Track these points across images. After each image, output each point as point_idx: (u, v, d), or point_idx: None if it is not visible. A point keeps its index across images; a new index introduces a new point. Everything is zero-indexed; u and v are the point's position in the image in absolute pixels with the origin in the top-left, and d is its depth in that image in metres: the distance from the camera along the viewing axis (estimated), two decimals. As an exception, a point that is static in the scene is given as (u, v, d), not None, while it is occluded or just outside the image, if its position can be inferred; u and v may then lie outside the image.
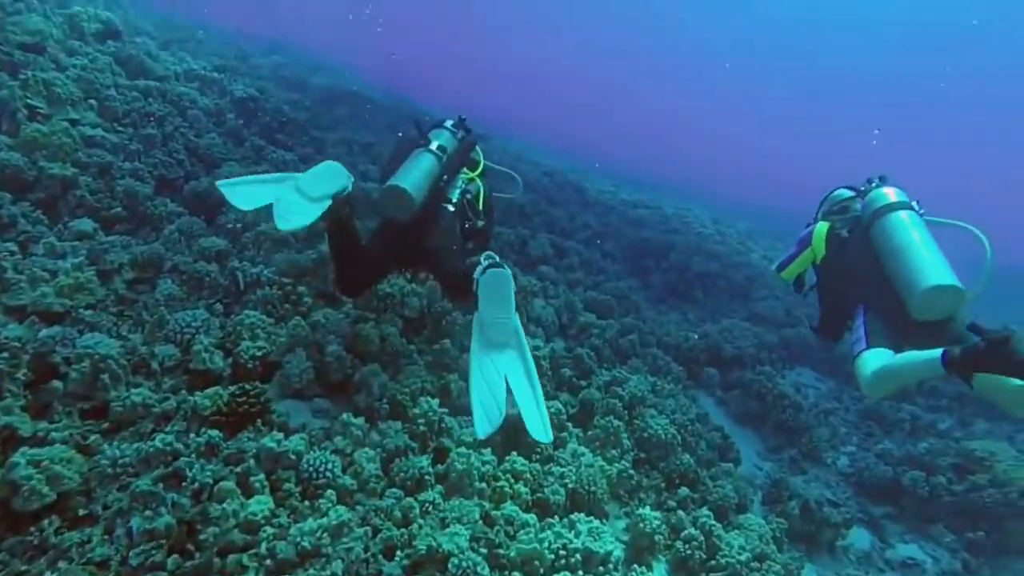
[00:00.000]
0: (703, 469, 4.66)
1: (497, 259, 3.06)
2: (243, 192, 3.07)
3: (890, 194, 3.17)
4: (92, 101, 5.14)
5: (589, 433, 4.28)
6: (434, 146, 3.28)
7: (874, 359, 2.77)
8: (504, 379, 2.86)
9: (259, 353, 3.26)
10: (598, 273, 8.22)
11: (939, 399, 6.95)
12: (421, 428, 3.19)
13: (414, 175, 3.09)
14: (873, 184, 3.38)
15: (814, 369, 7.76)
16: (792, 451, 5.81)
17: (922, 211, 3.09)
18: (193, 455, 2.45)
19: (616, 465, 3.95)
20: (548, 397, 4.40)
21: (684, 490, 4.20)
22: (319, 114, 9.87)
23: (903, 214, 3.00)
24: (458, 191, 3.50)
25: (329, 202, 3.06)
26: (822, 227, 3.52)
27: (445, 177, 3.33)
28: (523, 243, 7.56)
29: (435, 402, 3.34)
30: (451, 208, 3.40)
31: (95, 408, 2.65)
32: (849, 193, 3.62)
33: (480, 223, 3.55)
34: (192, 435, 2.55)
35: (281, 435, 2.66)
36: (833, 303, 3.44)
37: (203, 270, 4.00)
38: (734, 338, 6.99)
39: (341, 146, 8.47)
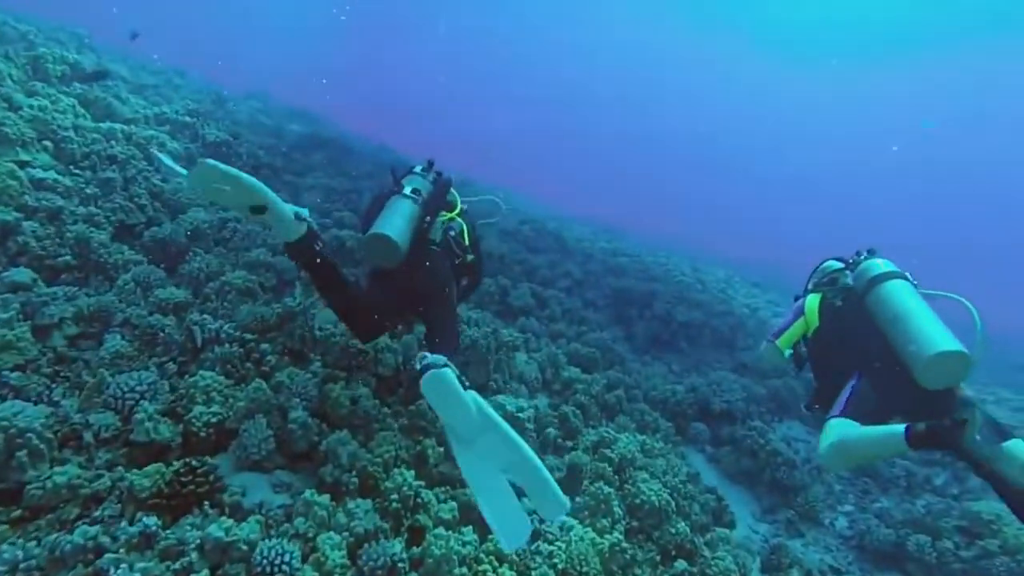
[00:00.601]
0: (698, 535, 4.34)
1: (428, 357, 2.69)
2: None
3: (881, 265, 3.19)
4: (47, 142, 4.84)
5: (578, 500, 3.94)
6: (408, 190, 3.20)
7: (837, 429, 2.72)
8: (500, 471, 2.60)
9: (214, 420, 2.91)
10: (580, 323, 7.98)
11: (932, 452, 6.74)
12: (395, 505, 2.84)
13: (394, 221, 3.00)
14: (863, 256, 3.42)
15: (803, 423, 7.52)
16: (788, 512, 5.51)
17: (915, 281, 3.11)
18: (122, 549, 2.07)
19: (608, 537, 3.60)
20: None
21: (681, 563, 3.86)
22: (295, 160, 9.67)
23: (899, 282, 3.03)
24: (440, 231, 3.39)
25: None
26: (814, 298, 3.49)
27: (427, 219, 3.21)
28: (504, 293, 7.31)
29: (410, 474, 3.00)
30: (437, 248, 3.30)
31: (8, 492, 2.26)
32: (838, 264, 3.63)
33: (470, 257, 3.45)
34: (123, 523, 2.18)
35: (231, 521, 2.29)
36: (827, 375, 3.34)
37: (158, 324, 3.65)
38: (723, 391, 6.75)
39: (316, 191, 8.24)
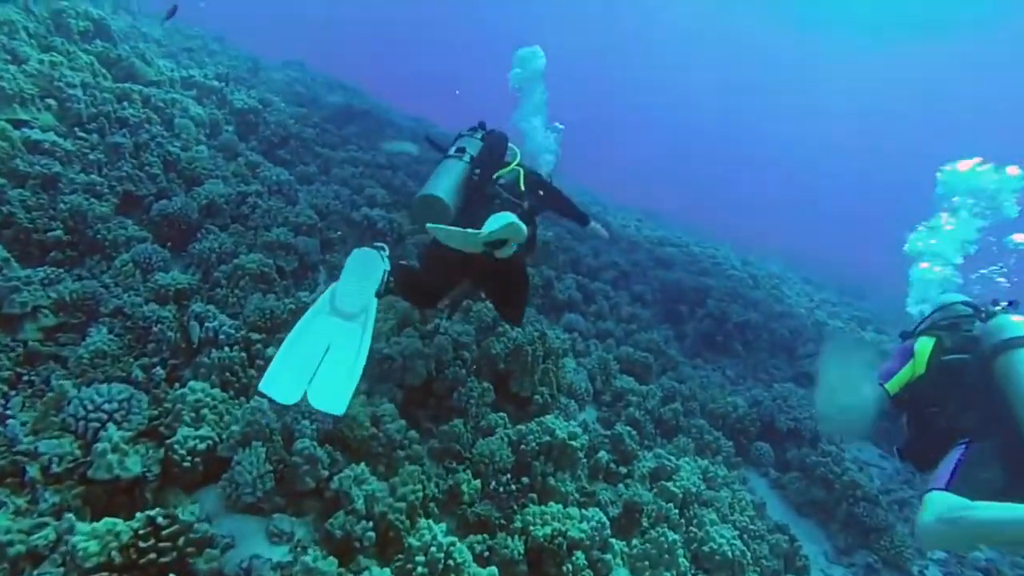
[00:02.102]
0: (771, 588, 3.67)
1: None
2: (288, 378, 2.31)
3: (1020, 324, 2.75)
4: (50, 101, 4.33)
5: (635, 546, 3.30)
6: (453, 150, 3.15)
7: (943, 500, 2.33)
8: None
9: (201, 446, 2.34)
10: (629, 321, 7.27)
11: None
12: (420, 570, 2.23)
13: (441, 181, 2.97)
14: (999, 308, 3.04)
15: (876, 444, 6.72)
16: (869, 555, 4.77)
17: None
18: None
19: (674, 600, 2.96)
20: (584, 493, 3.46)
21: (760, 634, 3.20)
22: (327, 131, 9.11)
23: None
24: (495, 185, 3.22)
25: (374, 304, 2.68)
26: (927, 342, 3.09)
27: (477, 171, 3.07)
28: (548, 285, 6.65)
29: (440, 528, 2.38)
30: (496, 202, 3.12)
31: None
32: (966, 310, 3.23)
33: (525, 203, 3.20)
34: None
35: (199, 612, 1.71)
36: (926, 429, 2.95)
37: (154, 315, 3.11)
38: (789, 407, 5.99)
39: (348, 166, 7.65)
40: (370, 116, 11.60)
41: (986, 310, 3.08)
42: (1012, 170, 3.60)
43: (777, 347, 8.65)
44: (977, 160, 3.57)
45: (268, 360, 2.94)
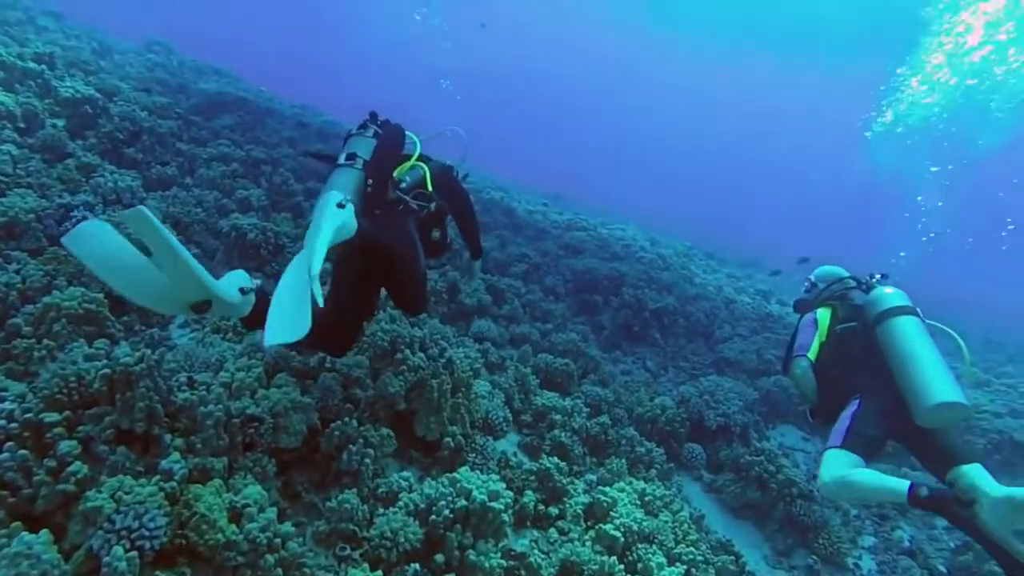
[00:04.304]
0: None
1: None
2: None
3: (893, 295, 3.26)
4: None
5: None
6: (343, 158, 2.69)
7: (838, 463, 2.80)
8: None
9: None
10: (544, 320, 6.79)
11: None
12: None
13: None
14: (875, 279, 3.54)
15: (797, 427, 6.67)
16: (808, 556, 4.57)
17: (923, 318, 3.16)
18: None
19: None
20: (511, 557, 2.88)
21: None
22: (194, 123, 7.89)
23: (911, 320, 3.10)
24: (396, 189, 2.87)
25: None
26: (826, 312, 3.57)
27: (370, 181, 2.62)
28: (454, 289, 6.00)
29: None
30: (397, 208, 2.82)
31: None
32: (851, 283, 3.72)
33: (434, 205, 2.93)
34: None
35: None
36: (830, 390, 3.32)
37: None
38: (717, 402, 5.74)
39: (217, 164, 6.58)
40: (247, 105, 10.31)
41: (866, 282, 3.58)
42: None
43: (694, 332, 8.52)
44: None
45: (64, 458, 2.12)
